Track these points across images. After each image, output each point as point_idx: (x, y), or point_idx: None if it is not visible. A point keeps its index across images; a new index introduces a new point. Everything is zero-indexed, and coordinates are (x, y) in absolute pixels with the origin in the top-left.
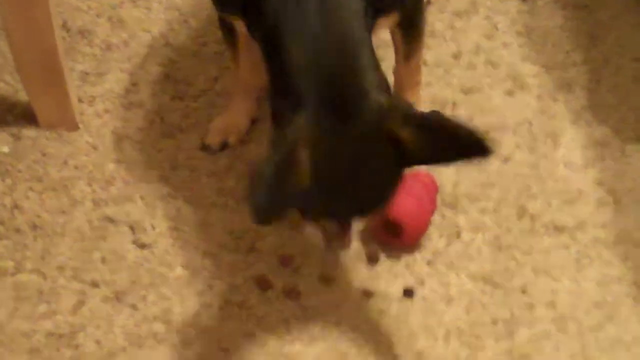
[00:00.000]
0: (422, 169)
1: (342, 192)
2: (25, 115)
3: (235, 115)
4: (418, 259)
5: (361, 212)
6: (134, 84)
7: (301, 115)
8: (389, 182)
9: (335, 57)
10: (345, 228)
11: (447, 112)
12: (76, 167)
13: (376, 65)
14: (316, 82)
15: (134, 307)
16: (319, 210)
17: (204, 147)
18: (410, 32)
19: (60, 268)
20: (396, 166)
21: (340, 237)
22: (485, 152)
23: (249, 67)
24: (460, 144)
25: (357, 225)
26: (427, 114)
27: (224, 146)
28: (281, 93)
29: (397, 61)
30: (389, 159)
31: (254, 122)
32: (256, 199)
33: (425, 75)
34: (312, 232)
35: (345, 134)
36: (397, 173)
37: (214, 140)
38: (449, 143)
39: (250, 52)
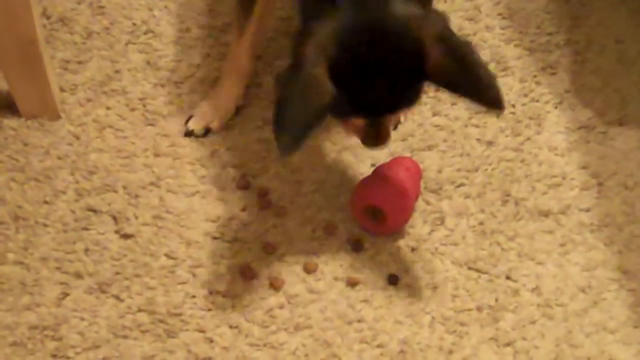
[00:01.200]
0: (407, 158)
1: (367, 94)
2: (5, 105)
3: (222, 100)
4: (402, 246)
5: (387, 108)
6: (116, 72)
7: (322, 27)
8: (411, 86)
9: None
10: (377, 124)
11: (429, 97)
12: (58, 157)
13: None
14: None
15: (117, 297)
16: (346, 112)
17: (188, 133)
18: None
19: (43, 259)
20: (418, 75)
21: (375, 133)
22: (497, 105)
23: (250, 45)
24: (478, 87)
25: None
26: (462, 41)
27: (207, 131)
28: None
29: None
30: (413, 66)
31: (238, 109)
32: (282, 134)
33: None
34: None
35: (375, 43)
36: (418, 81)
37: (198, 125)
38: (469, 80)
39: (261, 23)
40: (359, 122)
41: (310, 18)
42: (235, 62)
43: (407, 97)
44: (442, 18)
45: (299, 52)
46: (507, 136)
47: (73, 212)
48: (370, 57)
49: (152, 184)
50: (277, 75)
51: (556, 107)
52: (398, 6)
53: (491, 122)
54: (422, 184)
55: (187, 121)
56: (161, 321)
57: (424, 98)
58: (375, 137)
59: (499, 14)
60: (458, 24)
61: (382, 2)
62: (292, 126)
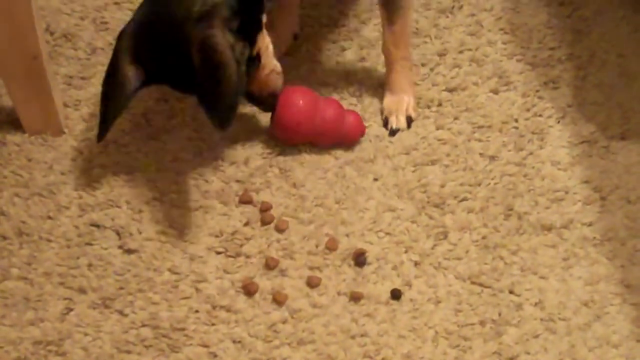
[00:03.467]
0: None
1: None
2: (10, 121)
3: (278, 30)
4: (405, 261)
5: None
6: None
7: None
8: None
9: None
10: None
11: (433, 110)
12: (62, 172)
13: None
14: None
15: (121, 312)
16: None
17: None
18: None
19: (47, 274)
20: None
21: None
22: (216, 124)
23: None
24: (211, 99)
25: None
26: (222, 54)
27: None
28: None
29: (383, 30)
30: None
31: (296, 37)
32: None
33: None
34: None
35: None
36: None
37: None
38: (207, 90)
39: None
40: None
41: None
42: None
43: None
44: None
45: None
46: (509, 150)
47: (76, 227)
48: (151, 45)
49: (155, 199)
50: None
51: (559, 122)
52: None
53: (494, 137)
54: (425, 198)
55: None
56: (165, 336)
57: (427, 112)
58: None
59: (501, 29)
60: (460, 39)
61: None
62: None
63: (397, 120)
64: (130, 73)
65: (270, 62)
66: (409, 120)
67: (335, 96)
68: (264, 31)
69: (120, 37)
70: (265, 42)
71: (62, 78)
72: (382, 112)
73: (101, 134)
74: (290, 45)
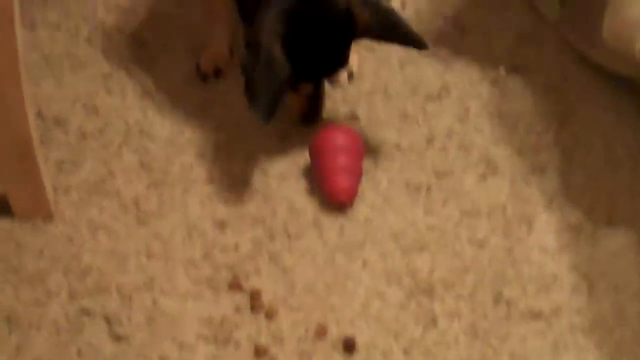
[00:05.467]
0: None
1: (313, 61)
2: None
3: (217, 42)
4: (394, 348)
5: (328, 72)
6: (110, 173)
7: (271, 14)
8: (345, 53)
9: None
10: (319, 91)
11: (421, 196)
12: (52, 258)
13: None
14: None
15: None
16: (297, 79)
17: (202, 76)
18: None
19: None
20: (349, 38)
21: (314, 104)
22: (420, 44)
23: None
24: (402, 33)
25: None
26: (382, 4)
27: (217, 72)
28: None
29: None
30: (347, 32)
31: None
32: (258, 106)
33: (398, 159)
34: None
35: (313, 16)
36: (349, 42)
37: (207, 68)
38: (393, 30)
39: None
40: (307, 88)
41: (250, 13)
42: (214, 10)
43: (342, 58)
44: None
45: (256, 41)
46: (498, 237)
47: (66, 314)
48: (312, 30)
49: (145, 285)
50: (242, 66)
51: (546, 208)
52: None
53: (482, 223)
54: (413, 284)
55: (197, 69)
56: None
57: (415, 197)
58: (314, 109)
59: (488, 115)
60: (447, 124)
61: None
62: (263, 100)
63: (339, 74)
64: (285, 63)
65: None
66: (350, 76)
67: None
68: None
69: (265, 30)
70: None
71: (52, 163)
72: None
73: (269, 116)
74: (228, 59)
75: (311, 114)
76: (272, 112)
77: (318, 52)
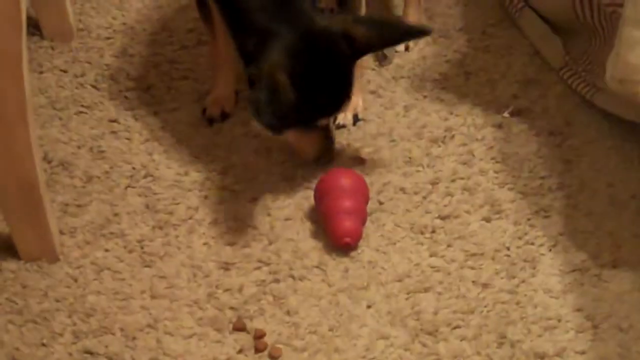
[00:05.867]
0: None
1: (321, 92)
2: (5, 248)
3: (221, 89)
4: None
5: (338, 104)
6: (115, 215)
7: (272, 48)
8: (350, 78)
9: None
10: (328, 137)
11: (426, 238)
12: (56, 299)
13: None
14: (276, 20)
15: None
16: (311, 116)
17: (208, 120)
18: None
19: None
20: (352, 61)
21: (327, 150)
22: (421, 31)
23: (225, 40)
24: (400, 31)
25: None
26: (368, 15)
27: (224, 116)
28: (246, 37)
29: None
30: (348, 57)
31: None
32: (263, 118)
33: (403, 202)
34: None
35: (313, 48)
36: (352, 68)
37: (214, 112)
38: (392, 32)
39: (224, 25)
40: (322, 122)
41: (251, 55)
42: (218, 56)
43: (349, 87)
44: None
45: (259, 75)
46: (502, 278)
47: (70, 354)
48: (315, 61)
49: (149, 326)
50: (248, 96)
51: (550, 250)
52: (316, 18)
53: (486, 265)
54: (418, 326)
55: (203, 113)
56: None
57: (420, 239)
58: (327, 150)
59: (492, 158)
60: (452, 167)
61: (308, 20)
62: (268, 117)
63: (345, 117)
64: (290, 90)
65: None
66: (355, 119)
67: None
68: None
69: (269, 63)
70: None
71: (58, 205)
72: None
73: (273, 126)
74: (233, 102)
75: (325, 155)
76: (278, 128)
77: (325, 82)
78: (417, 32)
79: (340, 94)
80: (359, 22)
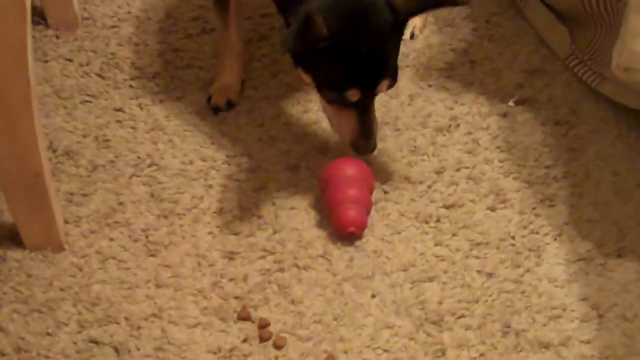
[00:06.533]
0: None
1: (356, 54)
2: (10, 237)
3: (227, 78)
4: None
5: (375, 76)
6: (120, 204)
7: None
8: (390, 50)
9: None
10: (368, 103)
11: (431, 227)
12: (61, 289)
13: None
14: None
15: None
16: (343, 85)
17: (213, 109)
18: None
19: None
20: (394, 31)
21: (365, 136)
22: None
23: (236, 29)
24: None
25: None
26: None
27: (229, 105)
28: None
29: None
30: (390, 23)
31: (243, 82)
32: (287, 42)
33: (408, 191)
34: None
35: (355, 5)
36: (395, 40)
37: (219, 100)
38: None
39: (237, 14)
40: (355, 94)
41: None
42: (228, 44)
43: (392, 62)
44: None
45: (300, 15)
46: (507, 268)
47: (75, 343)
48: (357, 20)
49: (154, 315)
50: (281, 36)
51: (555, 239)
52: None
53: (491, 254)
54: (423, 315)
55: (208, 101)
56: None
57: (425, 228)
58: (366, 134)
59: (497, 147)
60: (457, 156)
61: None
62: (292, 37)
63: None
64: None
65: None
66: (412, 35)
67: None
68: None
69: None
70: None
71: (63, 195)
72: None
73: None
74: (239, 91)
75: (363, 140)
76: (296, 46)
77: (363, 44)
78: (452, 2)
79: (378, 64)
80: None
